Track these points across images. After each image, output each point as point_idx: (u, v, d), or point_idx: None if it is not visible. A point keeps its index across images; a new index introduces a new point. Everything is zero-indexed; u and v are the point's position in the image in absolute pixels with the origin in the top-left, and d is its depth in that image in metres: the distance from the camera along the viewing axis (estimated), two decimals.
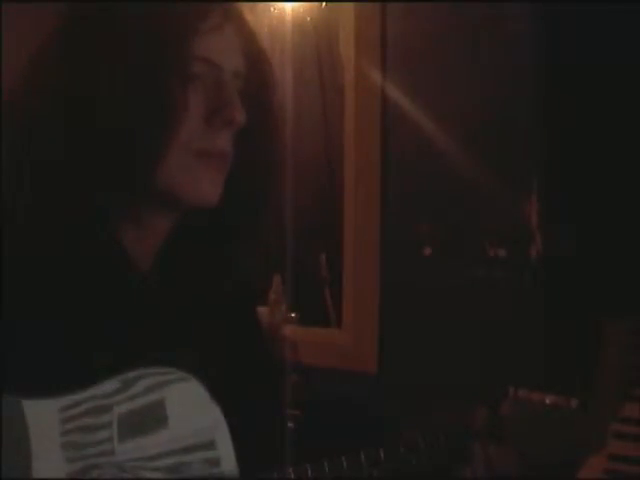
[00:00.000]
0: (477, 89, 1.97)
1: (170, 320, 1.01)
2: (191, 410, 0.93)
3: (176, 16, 0.96)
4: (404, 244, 2.09)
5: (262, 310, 1.96)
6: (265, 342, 1.21)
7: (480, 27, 1.95)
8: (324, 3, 2.28)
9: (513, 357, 1.78)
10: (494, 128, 1.94)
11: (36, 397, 0.87)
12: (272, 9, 2.30)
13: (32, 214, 0.94)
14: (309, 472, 0.95)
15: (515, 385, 1.05)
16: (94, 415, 0.89)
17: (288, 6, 2.29)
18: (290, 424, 1.15)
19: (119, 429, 0.90)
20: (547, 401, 1.03)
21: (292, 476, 0.95)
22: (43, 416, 0.88)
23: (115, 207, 0.98)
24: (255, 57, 1.04)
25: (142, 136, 0.93)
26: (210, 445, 0.93)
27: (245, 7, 1.05)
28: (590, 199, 1.73)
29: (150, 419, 0.91)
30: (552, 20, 1.79)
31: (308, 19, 2.31)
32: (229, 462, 0.94)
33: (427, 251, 2.04)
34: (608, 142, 1.70)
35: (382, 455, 1.00)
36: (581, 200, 1.74)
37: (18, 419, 0.87)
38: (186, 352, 0.98)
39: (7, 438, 0.86)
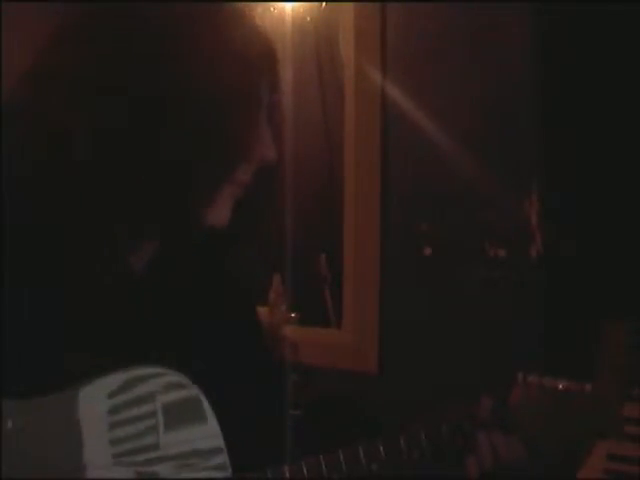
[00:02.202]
0: (477, 89, 1.97)
1: (169, 321, 1.01)
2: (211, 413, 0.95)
3: (248, 59, 0.95)
4: (404, 244, 2.09)
5: (262, 310, 1.96)
6: (266, 342, 1.21)
7: (480, 27, 1.95)
8: (324, 3, 2.28)
9: (513, 357, 1.78)
10: (494, 128, 1.94)
11: (32, 396, 0.88)
12: (272, 9, 2.30)
13: (35, 217, 0.94)
14: (304, 470, 0.96)
15: (524, 371, 1.04)
16: (138, 403, 0.91)
17: (288, 6, 2.29)
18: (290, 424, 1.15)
19: (164, 418, 0.91)
20: (560, 387, 1.02)
21: (287, 475, 0.95)
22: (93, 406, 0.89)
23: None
24: (273, 87, 1.04)
25: (203, 180, 0.94)
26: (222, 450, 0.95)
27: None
28: (590, 199, 1.73)
29: (191, 411, 0.93)
30: (552, 20, 1.79)
31: (308, 19, 2.30)
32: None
33: (427, 251, 2.04)
34: (608, 142, 1.70)
35: (382, 449, 1.00)
36: (581, 200, 1.74)
37: (71, 411, 0.88)
38: (186, 353, 0.98)
39: (59, 429, 0.88)
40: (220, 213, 0.99)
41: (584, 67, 1.73)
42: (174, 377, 0.93)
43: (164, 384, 0.92)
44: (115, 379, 0.91)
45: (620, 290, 1.60)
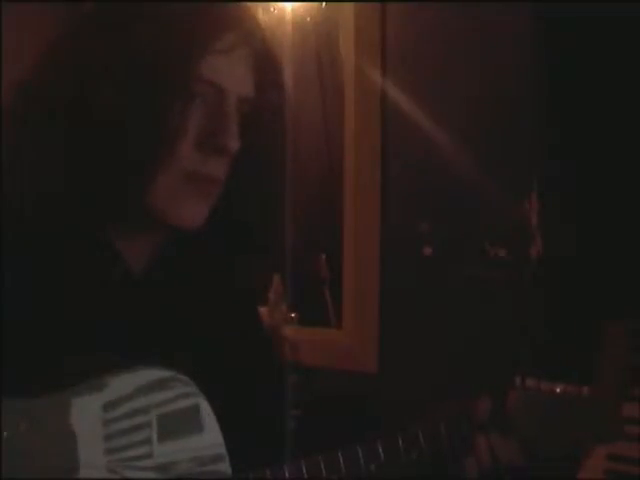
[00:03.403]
0: (477, 89, 1.97)
1: (168, 322, 1.01)
2: (215, 421, 0.94)
3: (186, 33, 0.93)
4: (404, 244, 2.09)
5: (262, 310, 1.96)
6: (266, 342, 1.21)
7: (480, 27, 1.95)
8: (324, 3, 2.28)
9: (512, 358, 1.78)
10: (494, 128, 1.94)
11: (28, 396, 0.87)
12: (272, 9, 2.30)
13: (32, 218, 0.94)
14: (304, 470, 0.95)
15: (522, 375, 1.04)
16: (133, 416, 0.90)
17: (288, 6, 2.29)
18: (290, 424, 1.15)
19: (159, 430, 0.91)
20: (557, 390, 1.02)
21: (286, 475, 0.95)
22: (86, 418, 0.89)
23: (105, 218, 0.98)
24: (268, 85, 1.02)
25: (135, 153, 0.92)
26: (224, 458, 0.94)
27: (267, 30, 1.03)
28: (590, 199, 1.73)
29: (187, 422, 0.92)
30: (552, 20, 1.79)
31: (308, 19, 2.30)
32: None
33: (427, 251, 2.04)
34: (608, 142, 1.70)
35: (380, 449, 0.99)
36: (581, 200, 1.74)
37: (65, 417, 0.88)
38: (186, 353, 0.98)
39: (54, 434, 0.87)
40: (184, 213, 0.97)
41: (584, 67, 1.73)
42: (172, 390, 0.92)
43: (161, 397, 0.91)
44: (111, 390, 0.90)
45: (620, 290, 1.60)
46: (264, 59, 1.02)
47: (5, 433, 0.84)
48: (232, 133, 0.96)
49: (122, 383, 0.90)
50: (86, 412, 0.88)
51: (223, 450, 0.93)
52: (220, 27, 0.96)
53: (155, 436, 0.90)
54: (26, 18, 2.25)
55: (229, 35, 0.96)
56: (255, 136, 1.00)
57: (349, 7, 2.19)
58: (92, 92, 0.92)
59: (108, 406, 0.89)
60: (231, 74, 0.97)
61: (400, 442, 1.00)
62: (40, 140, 0.94)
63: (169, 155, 0.93)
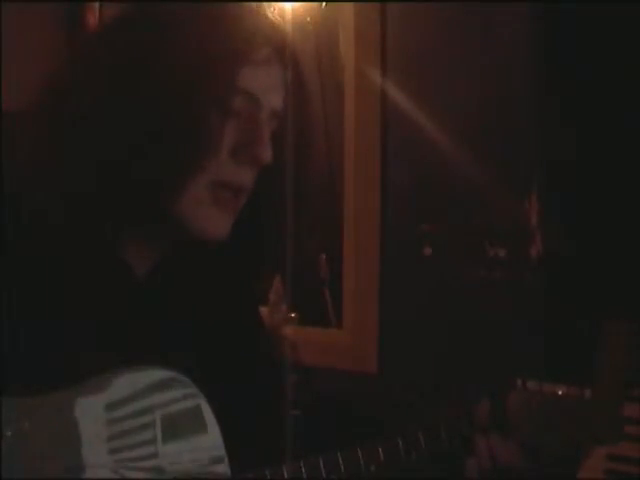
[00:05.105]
0: (477, 89, 1.96)
1: (170, 322, 1.01)
2: (215, 423, 0.94)
3: (222, 44, 0.93)
4: (404, 244, 2.09)
5: (262, 311, 1.95)
6: (266, 343, 1.21)
7: (480, 27, 1.95)
8: (324, 3, 2.28)
9: (513, 357, 1.78)
10: (494, 128, 1.94)
11: (35, 395, 0.87)
12: (272, 9, 2.30)
13: (41, 219, 0.93)
14: (303, 470, 0.95)
15: (522, 377, 1.04)
16: (136, 416, 0.90)
17: (288, 6, 2.29)
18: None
19: (163, 430, 0.91)
20: (559, 392, 1.02)
21: (286, 475, 0.95)
22: (90, 418, 0.88)
23: (125, 226, 0.98)
24: (295, 100, 1.02)
25: (171, 164, 0.92)
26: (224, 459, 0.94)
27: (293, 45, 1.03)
28: (590, 199, 1.72)
29: (191, 423, 0.92)
30: (552, 20, 1.79)
31: (308, 19, 2.30)
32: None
33: (427, 251, 2.03)
34: (608, 142, 1.70)
35: (380, 451, 1.00)
36: (581, 200, 1.74)
37: (68, 417, 0.88)
38: (186, 353, 0.98)
39: (57, 434, 0.87)
40: (211, 226, 0.97)
41: (584, 67, 1.73)
42: (175, 390, 0.92)
43: (164, 397, 0.91)
44: (114, 390, 0.90)
45: (620, 290, 1.60)
46: (293, 75, 1.02)
47: (9, 432, 0.84)
48: (266, 144, 0.97)
49: (124, 384, 0.90)
50: (89, 412, 0.88)
51: (223, 452, 0.93)
52: (255, 40, 0.97)
53: (160, 436, 0.90)
54: (26, 19, 2.25)
55: (264, 49, 0.97)
56: (276, 150, 1.00)
57: (349, 7, 2.19)
58: (125, 101, 0.91)
59: (111, 406, 0.89)
60: (265, 85, 0.98)
61: (400, 443, 1.00)
62: (71, 142, 0.93)
63: (202, 166, 0.93)
